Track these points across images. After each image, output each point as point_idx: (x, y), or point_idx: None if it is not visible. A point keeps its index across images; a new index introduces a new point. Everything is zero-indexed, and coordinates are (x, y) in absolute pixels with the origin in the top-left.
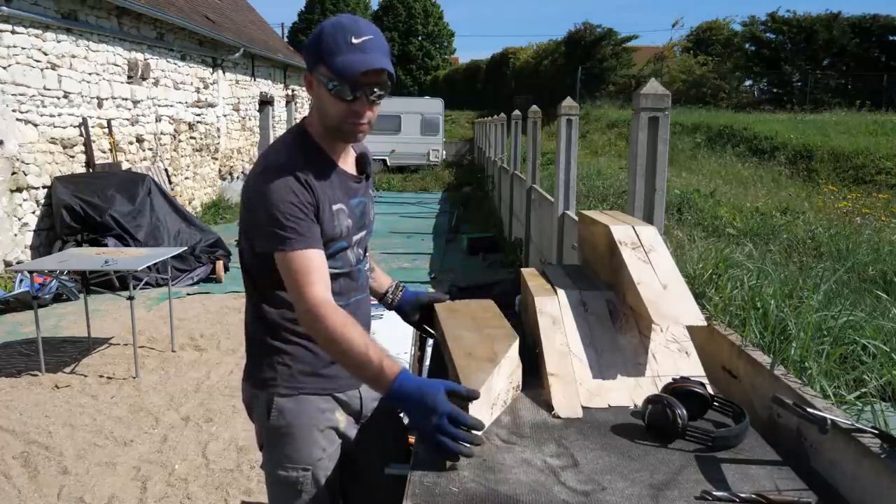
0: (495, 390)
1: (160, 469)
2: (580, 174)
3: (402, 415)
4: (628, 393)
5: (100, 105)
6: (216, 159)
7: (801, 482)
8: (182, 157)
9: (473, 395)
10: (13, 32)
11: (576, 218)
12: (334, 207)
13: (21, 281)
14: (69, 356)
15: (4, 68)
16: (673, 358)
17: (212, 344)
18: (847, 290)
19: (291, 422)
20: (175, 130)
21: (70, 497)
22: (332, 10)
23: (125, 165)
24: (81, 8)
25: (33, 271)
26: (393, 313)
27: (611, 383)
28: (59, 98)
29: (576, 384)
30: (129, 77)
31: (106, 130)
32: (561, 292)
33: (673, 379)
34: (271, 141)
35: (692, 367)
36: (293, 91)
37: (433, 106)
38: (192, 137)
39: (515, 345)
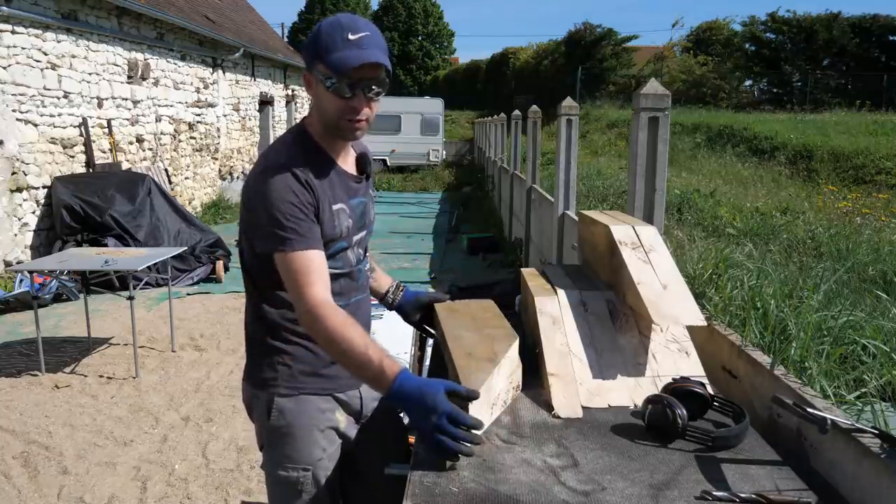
0: (495, 390)
1: (160, 469)
2: (580, 174)
3: (402, 415)
4: (628, 393)
5: (100, 105)
6: (216, 159)
7: (801, 482)
8: (182, 157)
9: (473, 396)
10: (13, 32)
11: (576, 218)
12: (334, 207)
13: (21, 281)
14: (69, 356)
15: (4, 68)
16: (673, 358)
17: (212, 344)
18: (847, 290)
19: (292, 422)
20: (175, 130)
21: (70, 497)
22: (332, 10)
23: (125, 165)
24: (81, 8)
25: (33, 271)
26: (393, 313)
27: (611, 383)
28: (59, 98)
29: (576, 384)
30: (129, 77)
31: (106, 130)
32: (561, 292)
33: (673, 379)
34: (271, 141)
35: (692, 367)
36: (293, 91)
37: (433, 106)
38: (192, 137)
39: (515, 345)
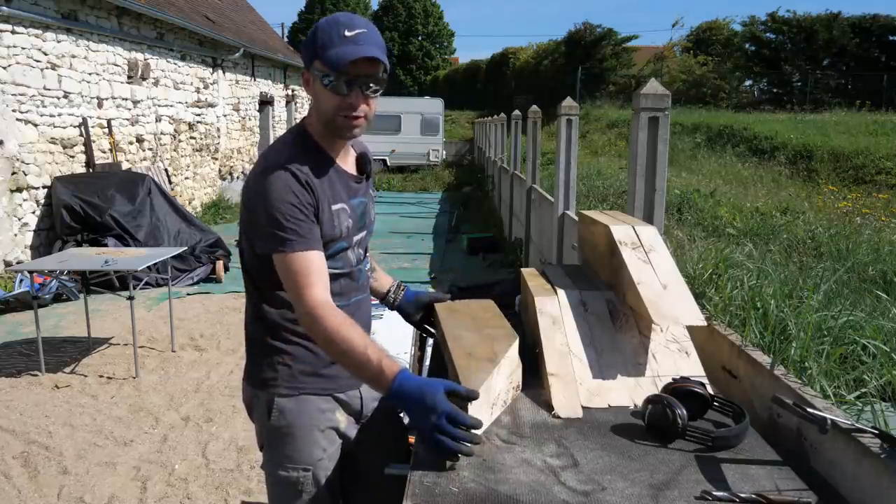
0: (495, 390)
1: (160, 469)
2: (580, 174)
3: (402, 415)
4: (628, 393)
5: (100, 105)
6: (216, 159)
7: (801, 482)
8: (182, 157)
9: (473, 396)
10: (13, 32)
11: (576, 218)
12: (334, 207)
13: (21, 281)
14: (69, 356)
15: (4, 68)
16: (673, 358)
17: (212, 344)
18: (847, 290)
19: (292, 422)
20: (175, 130)
21: (70, 497)
22: (331, 10)
23: (125, 165)
24: (81, 8)
25: (33, 271)
26: (393, 313)
27: (611, 383)
28: (59, 98)
29: (576, 384)
30: (129, 77)
31: (106, 130)
32: (561, 292)
33: (673, 379)
34: (271, 141)
35: (692, 367)
36: (293, 91)
37: (433, 106)
38: (192, 137)
39: (515, 345)
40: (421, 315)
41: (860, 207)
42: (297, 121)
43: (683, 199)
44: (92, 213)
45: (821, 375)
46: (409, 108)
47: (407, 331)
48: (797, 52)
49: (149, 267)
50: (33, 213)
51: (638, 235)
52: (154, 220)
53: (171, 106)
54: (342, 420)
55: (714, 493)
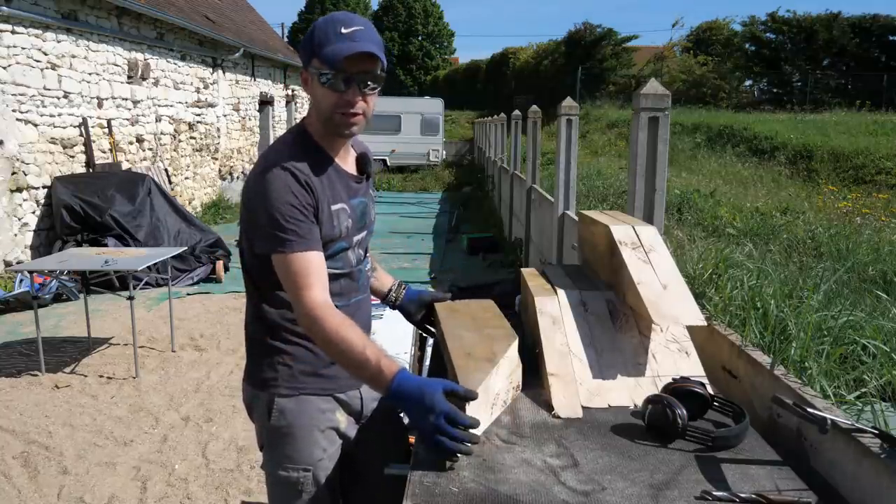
0: (493, 390)
1: (160, 469)
2: (580, 174)
3: (402, 415)
4: (628, 393)
5: (100, 105)
6: (216, 159)
7: (801, 482)
8: (182, 157)
9: (471, 396)
10: (13, 32)
11: (576, 218)
12: (334, 207)
13: (21, 281)
14: (69, 356)
15: (4, 68)
16: (673, 358)
17: (212, 344)
18: (847, 290)
19: (292, 422)
20: (175, 130)
21: (70, 497)
22: (331, 10)
23: (125, 165)
24: (81, 8)
25: (33, 271)
26: (393, 313)
27: (611, 383)
28: (59, 98)
29: (576, 384)
30: (129, 77)
31: (106, 130)
32: (561, 292)
33: (673, 379)
34: (271, 141)
35: (692, 367)
36: (293, 91)
37: (433, 106)
38: (192, 137)
39: (514, 345)
40: (422, 314)
41: (860, 207)
42: (297, 121)
43: (683, 199)
44: (92, 213)
45: (821, 375)
46: (409, 108)
47: (407, 331)
48: (797, 52)
49: (149, 267)
50: (33, 213)
51: (638, 235)
52: (154, 220)
53: (171, 106)
54: (342, 420)
55: (714, 493)
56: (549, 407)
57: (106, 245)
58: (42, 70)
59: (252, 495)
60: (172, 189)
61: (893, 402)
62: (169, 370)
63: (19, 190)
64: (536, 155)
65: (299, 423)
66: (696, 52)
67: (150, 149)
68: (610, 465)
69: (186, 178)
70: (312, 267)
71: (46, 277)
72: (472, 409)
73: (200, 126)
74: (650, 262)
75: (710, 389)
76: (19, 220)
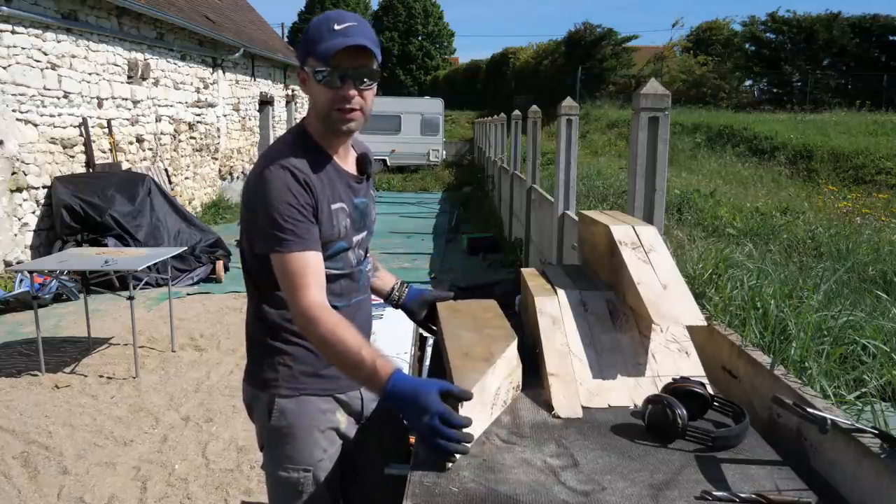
0: (490, 390)
1: (160, 469)
2: (580, 174)
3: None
4: (628, 393)
5: (100, 105)
6: (216, 159)
7: (801, 482)
8: (182, 157)
9: (466, 396)
10: (13, 32)
11: (576, 218)
12: (333, 207)
13: (21, 281)
14: (69, 356)
15: (4, 68)
16: (673, 358)
17: (212, 344)
18: (847, 290)
19: (292, 423)
20: (175, 130)
21: (70, 497)
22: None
23: (125, 165)
24: (81, 8)
25: (33, 271)
26: (393, 313)
27: (611, 383)
28: (59, 98)
29: (576, 384)
30: (129, 77)
31: (106, 130)
32: (561, 292)
33: (673, 379)
34: (271, 141)
35: (692, 367)
36: (293, 91)
37: (433, 106)
38: (192, 137)
39: (513, 345)
40: (425, 313)
41: (860, 207)
42: (297, 121)
43: (683, 199)
44: (92, 213)
45: (821, 375)
46: (409, 108)
47: (407, 331)
48: (797, 52)
49: (149, 267)
50: (33, 213)
51: (638, 235)
52: (154, 220)
53: (171, 106)
54: (343, 421)
55: (714, 493)
56: (549, 407)
57: (106, 245)
58: (42, 70)
59: (252, 495)
60: (172, 189)
61: (893, 402)
62: (169, 370)
63: (19, 190)
64: (536, 155)
65: (300, 423)
66: (696, 52)
67: (150, 149)
68: (610, 465)
69: (186, 178)
70: (310, 267)
71: (46, 277)
72: (469, 409)
73: (200, 126)
74: (650, 262)
75: (710, 389)
76: (19, 220)
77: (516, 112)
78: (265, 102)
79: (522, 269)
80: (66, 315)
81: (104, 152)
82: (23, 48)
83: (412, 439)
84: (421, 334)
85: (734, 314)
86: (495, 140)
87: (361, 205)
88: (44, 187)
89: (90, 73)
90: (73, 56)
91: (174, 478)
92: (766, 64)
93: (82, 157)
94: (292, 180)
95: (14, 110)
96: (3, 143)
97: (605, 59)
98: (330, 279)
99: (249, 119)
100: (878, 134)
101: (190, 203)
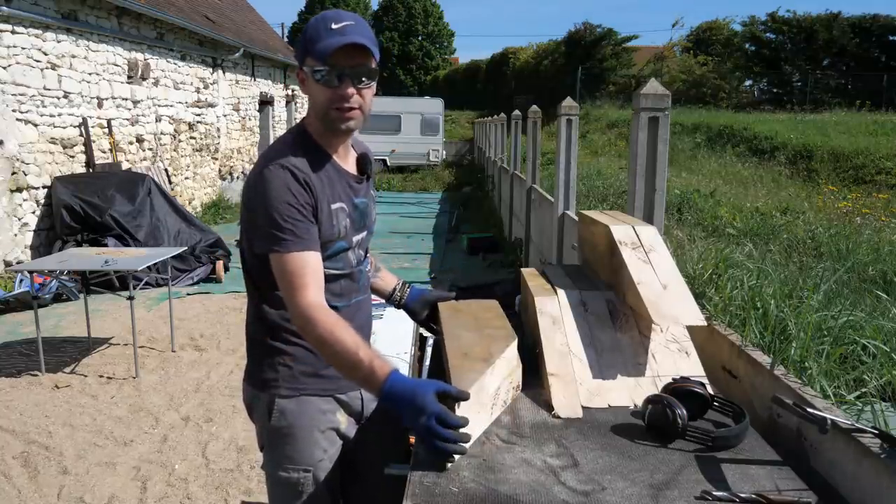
0: (488, 390)
1: (160, 469)
2: (580, 174)
3: None
4: (628, 393)
5: (100, 105)
6: (216, 159)
7: (801, 482)
8: (182, 157)
9: (463, 397)
10: (13, 32)
11: (576, 218)
12: (333, 206)
13: (21, 281)
14: (69, 356)
15: (4, 68)
16: (673, 358)
17: (212, 344)
18: (847, 290)
19: (293, 423)
20: (175, 130)
21: (70, 497)
22: None
23: (125, 165)
24: (81, 8)
25: (33, 271)
26: (393, 313)
27: (611, 383)
28: (59, 98)
29: (576, 384)
30: (129, 77)
31: (106, 130)
32: (561, 292)
33: (673, 379)
34: (271, 141)
35: (692, 367)
36: (293, 91)
37: (433, 106)
38: (192, 137)
39: (513, 345)
40: (426, 313)
41: (860, 207)
42: (297, 121)
43: (683, 199)
44: (92, 213)
45: (821, 375)
46: (409, 108)
47: (407, 331)
48: (797, 52)
49: (149, 267)
50: (33, 213)
51: (638, 235)
52: (154, 220)
53: (171, 106)
54: (343, 421)
55: (714, 493)
56: (549, 407)
57: (106, 245)
58: (42, 70)
59: (252, 495)
60: (172, 189)
61: (893, 402)
62: (169, 370)
63: (19, 190)
64: (536, 155)
65: (300, 423)
66: (696, 52)
67: (150, 149)
68: (610, 465)
69: (186, 178)
70: (308, 267)
71: (46, 277)
72: (467, 410)
73: (200, 126)
74: (650, 262)
75: (710, 389)
76: (19, 220)
77: (516, 112)
78: (265, 102)
79: (522, 269)
80: (66, 315)
81: (104, 152)
82: (23, 48)
83: (412, 439)
84: (421, 334)
85: (734, 314)
86: (495, 140)
87: (361, 205)
88: (44, 187)
89: (90, 73)
90: (73, 56)
91: (174, 478)
92: (766, 64)
93: (82, 157)
94: (292, 180)
95: (14, 110)
96: (3, 143)
97: (605, 59)
98: (330, 279)
99: (249, 119)
100: (878, 134)
101: (190, 203)
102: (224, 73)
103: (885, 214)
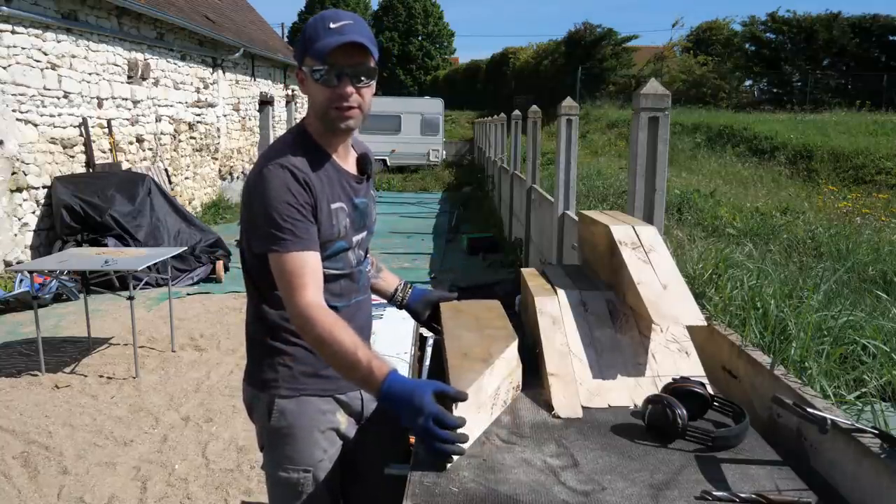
0: (487, 390)
1: (160, 469)
2: (580, 174)
3: None
4: (628, 393)
5: (100, 105)
6: (216, 159)
7: (801, 482)
8: (182, 157)
9: (461, 397)
10: (13, 32)
11: (576, 218)
12: (333, 206)
13: (21, 281)
14: (69, 356)
15: (4, 68)
16: (673, 358)
17: (212, 344)
18: (847, 290)
19: (292, 423)
20: (175, 130)
21: (70, 497)
22: None
23: (125, 165)
24: (81, 8)
25: (33, 271)
26: (393, 313)
27: (611, 383)
28: (59, 98)
29: (576, 384)
30: (129, 77)
31: (106, 130)
32: (561, 292)
33: (673, 379)
34: (271, 141)
35: (692, 367)
36: (293, 91)
37: (433, 106)
38: (192, 137)
39: (513, 346)
40: (428, 314)
41: (860, 207)
42: (297, 121)
43: (683, 199)
44: (92, 213)
45: (821, 375)
46: (409, 108)
47: (407, 331)
48: (797, 52)
49: (149, 267)
50: (33, 213)
51: (638, 235)
52: (154, 220)
53: (171, 106)
54: (343, 421)
55: (714, 493)
56: (549, 407)
57: (106, 245)
58: (42, 70)
59: (252, 495)
60: (172, 189)
61: (893, 402)
62: (169, 370)
63: (19, 190)
64: (536, 155)
65: (300, 424)
66: (696, 52)
67: (150, 149)
68: (610, 465)
69: (186, 178)
70: (308, 267)
71: (46, 277)
72: (466, 410)
73: (200, 126)
74: (650, 262)
75: (710, 389)
76: (19, 220)
77: (516, 112)
78: (265, 102)
79: (522, 269)
80: (66, 315)
81: (104, 152)
82: (23, 48)
83: (412, 439)
84: (421, 334)
85: (734, 314)
86: (495, 140)
87: (361, 205)
88: (44, 187)
89: (90, 73)
90: (73, 56)
91: (174, 478)
92: (766, 64)
93: (82, 157)
94: (292, 179)
95: (14, 110)
96: (3, 143)
97: (605, 59)
98: (330, 279)
99: (249, 119)
100: (878, 134)
101: (190, 203)
102: (224, 73)
103: (885, 214)
